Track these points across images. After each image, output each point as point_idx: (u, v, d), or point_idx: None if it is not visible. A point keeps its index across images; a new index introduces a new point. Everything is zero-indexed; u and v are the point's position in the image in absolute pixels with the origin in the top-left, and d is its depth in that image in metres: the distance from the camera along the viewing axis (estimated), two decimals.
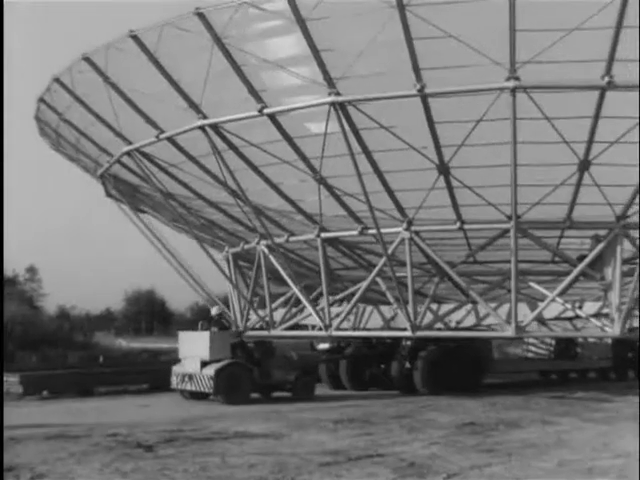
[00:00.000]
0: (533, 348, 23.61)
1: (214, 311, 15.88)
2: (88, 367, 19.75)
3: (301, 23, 11.65)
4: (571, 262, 14.83)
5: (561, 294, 14.98)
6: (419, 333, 15.06)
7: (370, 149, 13.46)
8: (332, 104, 12.45)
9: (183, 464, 7.92)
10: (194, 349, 15.20)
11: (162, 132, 14.90)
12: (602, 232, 14.61)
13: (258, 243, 17.30)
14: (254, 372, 15.26)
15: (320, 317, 16.15)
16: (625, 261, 14.92)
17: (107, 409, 14.09)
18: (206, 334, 15.23)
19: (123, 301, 62.24)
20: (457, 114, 12.32)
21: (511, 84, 11.43)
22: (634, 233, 14.37)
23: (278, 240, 16.78)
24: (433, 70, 11.75)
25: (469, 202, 14.14)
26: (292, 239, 16.69)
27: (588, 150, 12.75)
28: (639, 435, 9.55)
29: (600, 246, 14.33)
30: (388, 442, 9.57)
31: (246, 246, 18.18)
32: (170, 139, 15.02)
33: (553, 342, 22.99)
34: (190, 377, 15.01)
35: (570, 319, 15.79)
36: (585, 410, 13.67)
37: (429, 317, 16.12)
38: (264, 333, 17.53)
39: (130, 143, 15.69)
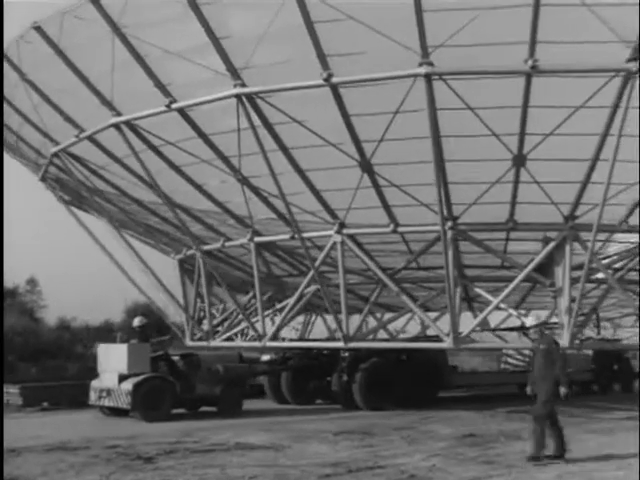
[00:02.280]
0: (510, 360, 22.29)
1: (136, 322, 14.88)
2: (88, 379, 19.03)
3: (195, 8, 10.63)
4: (519, 267, 13.54)
5: (519, 304, 13.92)
6: (351, 344, 13.96)
7: (288, 145, 12.38)
8: (237, 96, 11.39)
9: (183, 476, 8.00)
10: (112, 362, 14.24)
11: (82, 131, 13.97)
12: (553, 234, 13.43)
13: (196, 249, 16.32)
14: (177, 386, 14.23)
15: (253, 327, 15.11)
16: (579, 266, 13.75)
17: (106, 421, 14.06)
18: (124, 346, 14.29)
19: (123, 313, 61.35)
20: (373, 106, 11.24)
21: (423, 70, 10.28)
22: (587, 235, 12.99)
23: (214, 246, 15.86)
24: (342, 57, 10.65)
25: (402, 202, 13.04)
26: (228, 244, 15.66)
27: (521, 143, 11.59)
28: (639, 447, 9.54)
29: (547, 249, 13.10)
30: (388, 454, 9.61)
31: (188, 252, 17.21)
32: (91, 139, 14.08)
33: (531, 354, 21.69)
34: (108, 392, 14.08)
35: (518, 329, 14.57)
36: (585, 421, 13.46)
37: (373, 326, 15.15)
38: (204, 344, 16.72)
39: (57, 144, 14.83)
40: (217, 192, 14.24)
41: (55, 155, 15.09)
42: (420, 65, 10.36)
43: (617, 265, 14.80)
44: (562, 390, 8.88)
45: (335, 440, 10.80)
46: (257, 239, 14.92)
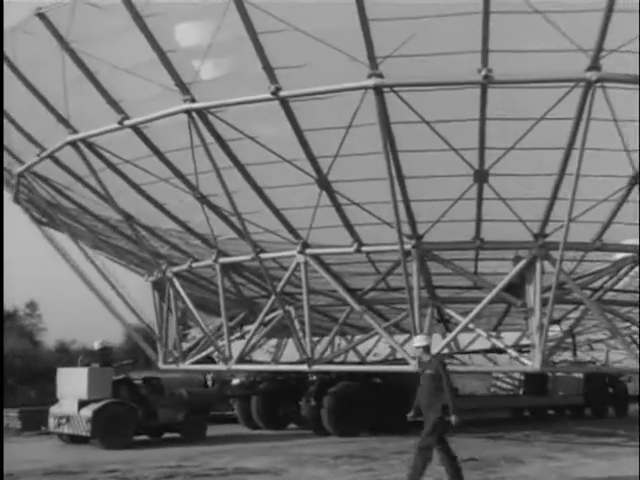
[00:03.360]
0: (499, 383, 21.64)
1: (96, 345, 14.39)
2: None
3: (137, 19, 10.27)
4: (491, 287, 12.98)
5: (496, 326, 13.36)
6: (315, 367, 13.42)
7: (243, 162, 11.95)
8: (187, 112, 11.00)
9: None
10: (72, 388, 13.73)
11: (43, 150, 13.66)
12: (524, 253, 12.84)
13: (165, 271, 15.87)
14: (138, 412, 13.69)
15: (218, 349, 14.59)
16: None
17: None
18: (84, 371, 13.77)
19: (124, 335, 60.98)
20: (326, 120, 10.84)
21: (372, 82, 9.83)
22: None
23: (182, 267, 15.41)
24: (291, 69, 10.25)
25: (365, 221, 12.49)
26: (195, 265, 15.19)
27: (482, 158, 11.06)
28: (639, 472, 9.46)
29: (517, 268, 12.54)
30: (389, 478, 9.50)
31: (159, 273, 16.73)
32: (53, 157, 13.74)
33: (522, 377, 21.01)
34: (67, 419, 13.54)
35: (490, 351, 13.99)
36: (586, 446, 13.37)
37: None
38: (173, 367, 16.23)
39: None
40: (178, 211, 13.77)
41: (21, 175, 14.74)
42: (369, 77, 9.89)
43: (596, 285, 14.10)
44: (453, 419, 8.09)
45: (335, 464, 10.74)
46: (222, 260, 14.36)
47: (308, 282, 13.28)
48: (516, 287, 13.00)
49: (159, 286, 17.54)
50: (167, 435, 14.48)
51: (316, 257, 13.50)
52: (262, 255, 13.66)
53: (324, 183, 11.76)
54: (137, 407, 13.79)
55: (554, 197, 11.65)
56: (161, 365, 16.85)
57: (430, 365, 8.52)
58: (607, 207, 11.90)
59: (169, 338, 16.90)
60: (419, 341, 8.88)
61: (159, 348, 16.69)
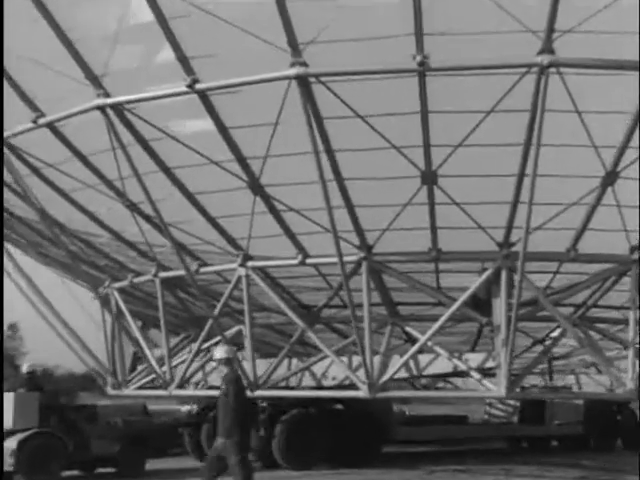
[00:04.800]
0: (493, 410, 20.68)
1: (24, 368, 13.67)
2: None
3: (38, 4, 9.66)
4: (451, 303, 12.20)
5: (472, 346, 12.56)
6: (258, 392, 12.72)
7: (169, 165, 11.25)
8: (100, 108, 10.34)
9: None
10: None
11: None
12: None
13: (108, 286, 15.21)
14: (69, 444, 12.88)
15: (158, 373, 13.84)
16: (528, 302, 12.36)
17: None
18: (10, 396, 12.97)
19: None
20: (253, 116, 10.13)
21: (294, 71, 9.11)
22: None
23: (123, 283, 14.74)
24: (210, 59, 9.52)
25: (309, 229, 11.73)
26: (136, 280, 14.50)
27: (428, 158, 10.29)
28: None
29: (479, 281, 11.81)
30: None
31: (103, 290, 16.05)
32: None
33: (517, 403, 20.05)
34: None
35: (451, 375, 13.20)
36: None
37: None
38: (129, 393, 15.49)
39: None
40: (110, 220, 13.07)
41: None
42: (292, 66, 9.15)
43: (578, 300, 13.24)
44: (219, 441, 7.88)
45: None
46: (163, 274, 13.62)
47: (250, 297, 12.58)
48: (482, 303, 12.27)
49: (107, 303, 16.90)
50: (101, 470, 13.71)
51: (262, 270, 12.76)
52: (204, 269, 13.04)
53: (256, 187, 11.03)
54: (67, 438, 12.97)
55: (516, 201, 10.81)
56: (110, 391, 16.11)
57: (225, 378, 8.16)
58: (576, 211, 11.05)
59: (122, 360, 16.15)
60: (218, 353, 8.42)
61: (105, 372, 15.93)
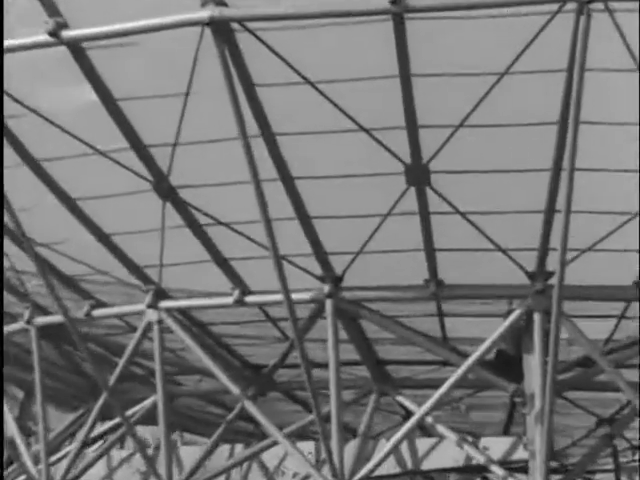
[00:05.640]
0: None
1: None
2: None
3: None
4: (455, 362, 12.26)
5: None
6: None
7: (39, 157, 11.03)
8: None
9: None
10: None
11: None
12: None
13: None
14: None
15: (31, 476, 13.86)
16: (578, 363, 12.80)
17: None
18: None
19: None
20: (152, 82, 9.95)
21: (206, 13, 8.84)
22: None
23: None
24: None
25: (245, 252, 11.73)
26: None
27: (415, 146, 10.14)
28: None
29: (500, 329, 11.67)
30: None
31: None
32: None
33: None
34: None
35: (464, 470, 13.25)
36: None
37: None
38: None
39: None
40: None
41: None
42: (204, 5, 8.88)
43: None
44: None
45: None
46: (40, 319, 13.46)
47: (165, 353, 12.67)
48: (508, 362, 12.42)
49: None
50: None
51: (183, 312, 12.74)
52: (98, 311, 12.89)
53: (165, 189, 10.84)
54: None
55: (552, 208, 10.49)
56: None
57: None
58: None
59: None
60: None
61: None
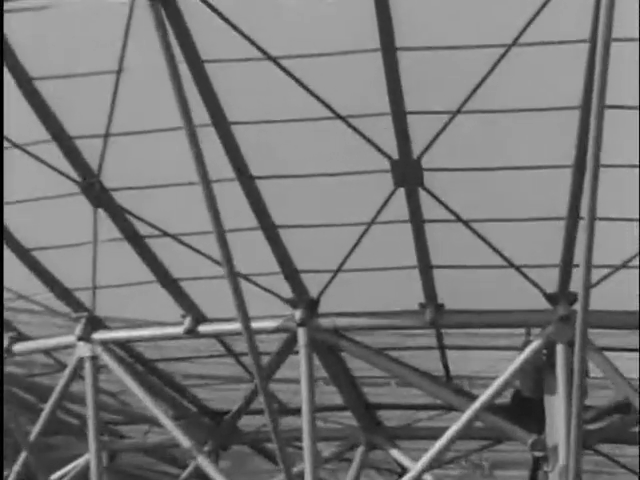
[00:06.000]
0: None
1: None
2: None
3: None
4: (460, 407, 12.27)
5: None
6: None
7: None
8: None
9: None
10: None
11: None
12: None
13: None
14: None
15: None
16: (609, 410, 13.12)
17: None
18: None
19: None
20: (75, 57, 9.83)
21: None
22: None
23: None
24: None
25: (198, 272, 11.94)
26: None
27: (403, 138, 10.02)
28: None
29: (515, 364, 11.63)
30: None
31: None
32: None
33: None
34: None
35: None
36: None
37: None
38: None
39: None
40: None
41: None
42: None
43: None
44: None
45: None
46: None
47: (96, 396, 12.53)
48: (526, 406, 12.39)
49: None
50: None
51: (122, 345, 12.80)
52: (19, 345, 13.04)
53: (95, 192, 10.80)
54: None
55: (576, 215, 10.38)
56: None
57: None
58: None
59: None
60: None
61: None
